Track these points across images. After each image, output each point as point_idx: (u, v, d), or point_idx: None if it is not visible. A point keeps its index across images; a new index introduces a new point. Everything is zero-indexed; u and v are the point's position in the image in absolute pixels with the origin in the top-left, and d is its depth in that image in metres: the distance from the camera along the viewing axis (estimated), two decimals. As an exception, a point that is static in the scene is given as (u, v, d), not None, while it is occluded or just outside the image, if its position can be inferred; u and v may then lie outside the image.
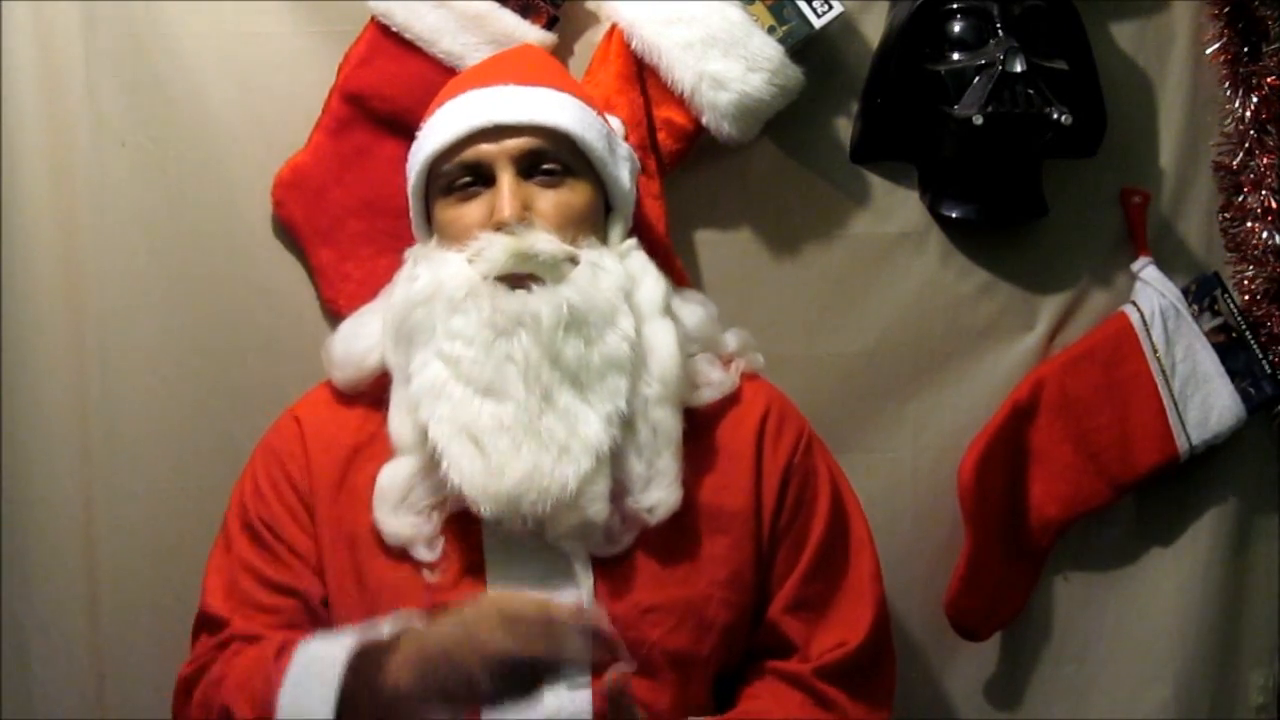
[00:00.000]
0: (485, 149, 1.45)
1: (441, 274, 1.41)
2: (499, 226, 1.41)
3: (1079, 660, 1.86)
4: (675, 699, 1.42)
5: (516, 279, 1.40)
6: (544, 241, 1.41)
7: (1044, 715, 1.86)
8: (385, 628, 1.31)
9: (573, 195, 1.46)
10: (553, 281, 1.40)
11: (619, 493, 1.39)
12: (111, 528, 1.74)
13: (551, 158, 1.46)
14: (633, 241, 1.52)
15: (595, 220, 1.49)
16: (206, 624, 1.49)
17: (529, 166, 1.45)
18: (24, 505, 1.74)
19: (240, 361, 1.75)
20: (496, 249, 1.40)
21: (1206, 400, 1.82)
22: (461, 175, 1.47)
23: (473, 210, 1.45)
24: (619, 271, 1.44)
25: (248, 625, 1.44)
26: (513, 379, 1.37)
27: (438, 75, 1.64)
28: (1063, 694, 1.86)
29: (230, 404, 1.74)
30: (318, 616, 1.46)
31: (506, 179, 1.44)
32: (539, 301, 1.38)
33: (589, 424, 1.37)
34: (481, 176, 1.46)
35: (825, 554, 1.50)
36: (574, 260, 1.42)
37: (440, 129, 1.48)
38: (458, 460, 1.36)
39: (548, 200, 1.45)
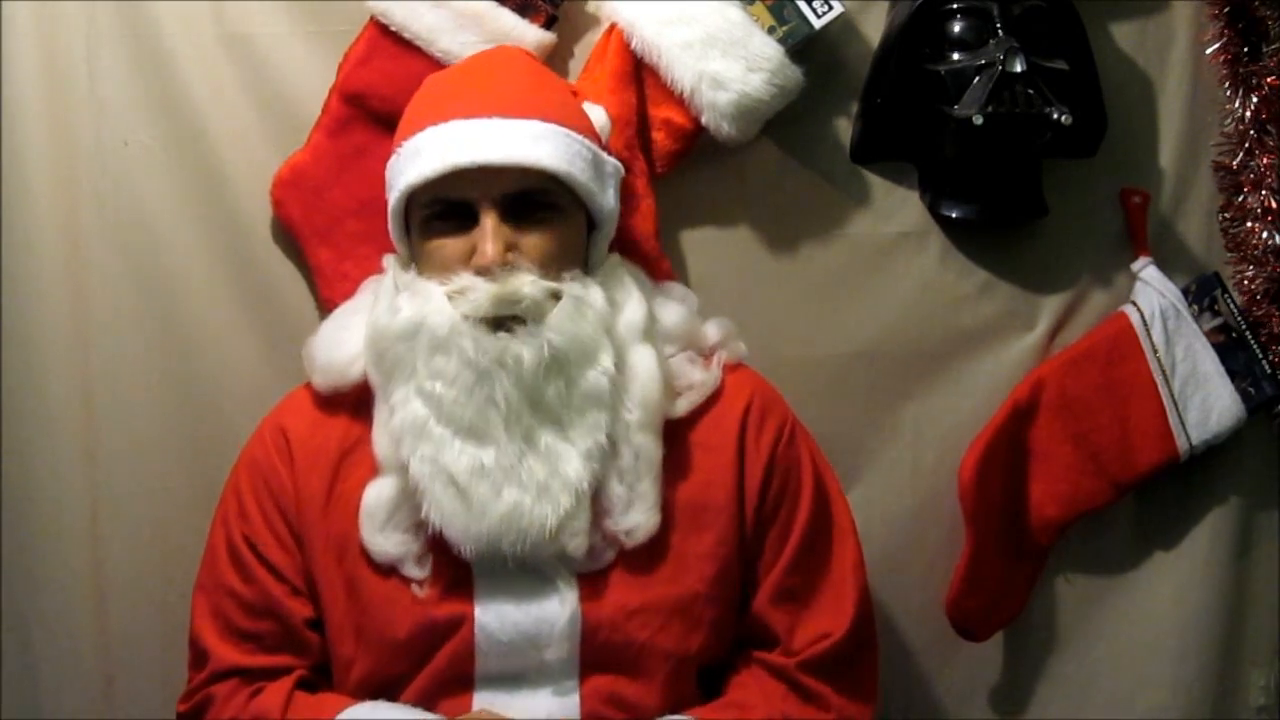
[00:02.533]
0: (468, 189, 1.42)
1: (425, 310, 1.41)
2: (480, 271, 1.40)
3: (1079, 660, 1.86)
4: (665, 697, 1.43)
5: (498, 320, 1.40)
6: (528, 285, 1.40)
7: (1044, 715, 1.86)
8: None
9: (556, 233, 1.44)
10: (534, 321, 1.40)
11: (599, 514, 1.41)
12: (117, 527, 1.75)
13: (536, 198, 1.44)
14: (615, 258, 1.53)
15: (579, 249, 1.49)
16: (195, 651, 1.51)
17: (514, 206, 1.43)
18: (29, 505, 1.74)
19: (243, 361, 1.75)
20: (480, 295, 1.39)
21: (1206, 400, 1.82)
22: (443, 209, 1.44)
23: (455, 245, 1.43)
24: (601, 304, 1.44)
25: (229, 656, 1.47)
26: (495, 422, 1.38)
27: (436, 75, 1.65)
28: (1063, 694, 1.86)
29: (232, 403, 1.74)
30: (295, 640, 1.48)
31: (489, 222, 1.41)
32: (520, 344, 1.38)
33: (570, 462, 1.39)
34: (464, 212, 1.44)
35: (809, 544, 1.50)
36: (556, 296, 1.42)
37: (421, 160, 1.44)
38: (439, 501, 1.38)
39: (531, 241, 1.43)
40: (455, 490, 1.38)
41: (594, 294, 1.45)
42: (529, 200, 1.43)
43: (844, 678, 1.47)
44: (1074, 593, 1.87)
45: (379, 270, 1.55)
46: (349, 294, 1.64)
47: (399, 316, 1.42)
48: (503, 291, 1.39)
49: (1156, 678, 1.85)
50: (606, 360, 1.42)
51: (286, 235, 1.74)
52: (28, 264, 1.73)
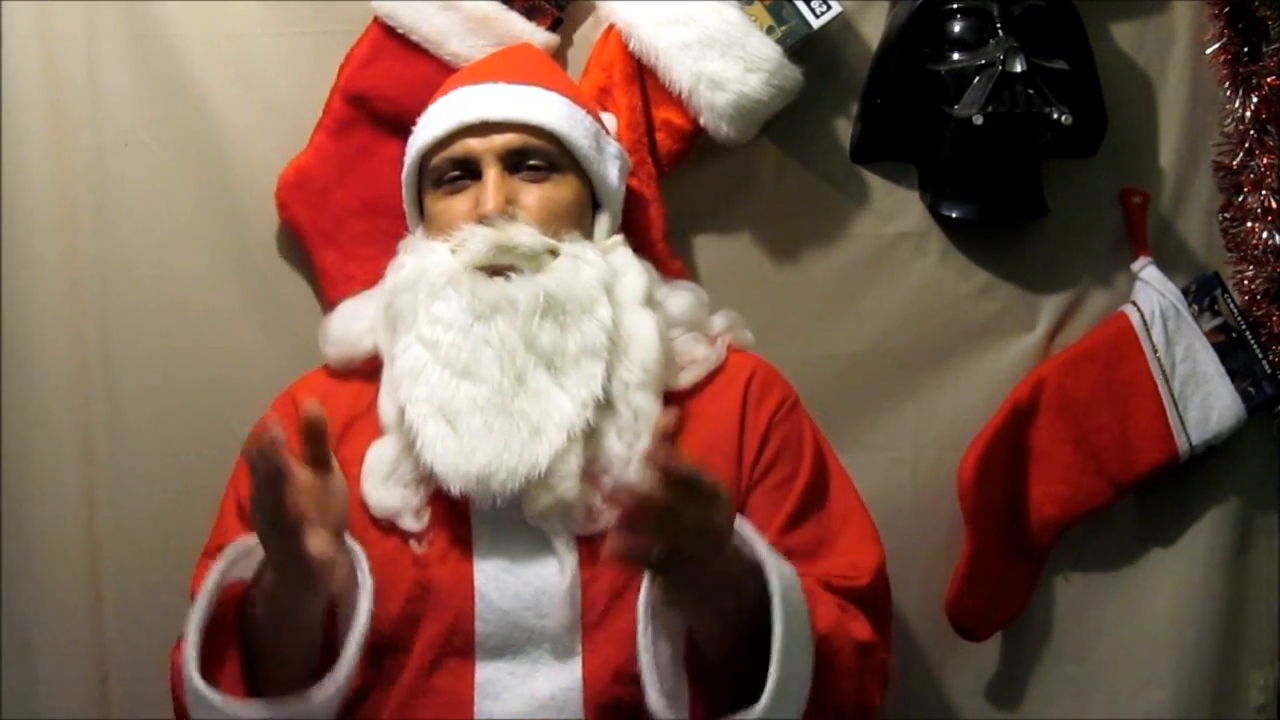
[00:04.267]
0: (472, 144, 1.49)
1: (425, 262, 1.46)
2: (482, 219, 1.45)
3: (1079, 660, 1.86)
4: None
5: (496, 269, 1.44)
6: (524, 234, 1.44)
7: (1044, 715, 1.86)
8: None
9: (556, 191, 1.50)
10: (532, 271, 1.44)
11: (599, 473, 1.41)
12: (114, 526, 1.76)
13: (537, 154, 1.50)
14: (619, 238, 1.55)
15: (580, 216, 1.52)
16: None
17: (515, 162, 1.50)
18: (27, 504, 1.75)
19: (242, 361, 1.76)
20: (478, 240, 1.44)
21: (1206, 400, 1.82)
22: (450, 169, 1.51)
23: (459, 203, 1.49)
24: (601, 265, 1.47)
25: None
26: (488, 361, 1.40)
27: (442, 76, 1.65)
28: (1063, 694, 1.86)
29: (232, 403, 1.74)
30: None
31: (492, 174, 1.48)
32: (516, 289, 1.42)
33: (560, 405, 1.40)
34: (469, 171, 1.50)
35: (807, 505, 1.48)
36: (554, 252, 1.46)
37: (431, 124, 1.53)
38: (431, 439, 1.39)
39: (532, 195, 1.49)
40: (447, 426, 1.39)
41: (592, 255, 1.48)
42: (530, 157, 1.50)
43: (869, 616, 1.44)
44: (1074, 593, 1.87)
45: (383, 272, 1.56)
46: (353, 295, 1.64)
47: (402, 271, 1.48)
48: (501, 238, 1.44)
49: (1156, 678, 1.85)
50: (604, 313, 1.44)
51: (289, 236, 1.75)
52: (27, 263, 1.74)
